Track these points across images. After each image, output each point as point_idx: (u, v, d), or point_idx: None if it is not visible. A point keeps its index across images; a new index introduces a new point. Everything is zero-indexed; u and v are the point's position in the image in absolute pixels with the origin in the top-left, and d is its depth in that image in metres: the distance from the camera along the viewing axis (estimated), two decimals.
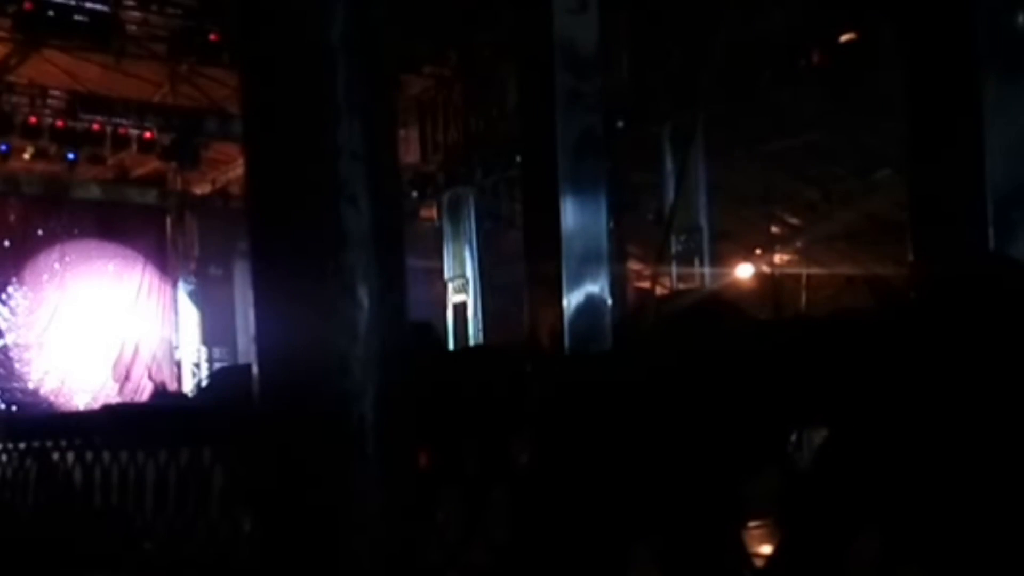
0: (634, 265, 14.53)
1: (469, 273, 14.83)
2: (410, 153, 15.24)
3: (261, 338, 1.59)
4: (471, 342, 14.22)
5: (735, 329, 3.24)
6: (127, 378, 15.93)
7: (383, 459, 1.52)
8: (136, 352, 16.82)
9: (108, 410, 7.59)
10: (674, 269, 12.30)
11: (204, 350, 17.84)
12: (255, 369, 1.62)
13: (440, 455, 3.07)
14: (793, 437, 2.70)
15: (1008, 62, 2.72)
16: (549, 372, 2.91)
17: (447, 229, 15.21)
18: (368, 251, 1.47)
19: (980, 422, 2.13)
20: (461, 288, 14.85)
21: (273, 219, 1.51)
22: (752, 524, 2.66)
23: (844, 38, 10.88)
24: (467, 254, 14.90)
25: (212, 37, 13.66)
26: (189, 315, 18.13)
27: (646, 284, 14.39)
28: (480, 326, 14.69)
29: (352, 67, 1.49)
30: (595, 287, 3.11)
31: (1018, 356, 2.02)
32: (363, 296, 1.46)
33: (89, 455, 5.54)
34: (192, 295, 18.17)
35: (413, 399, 1.67)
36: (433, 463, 3.07)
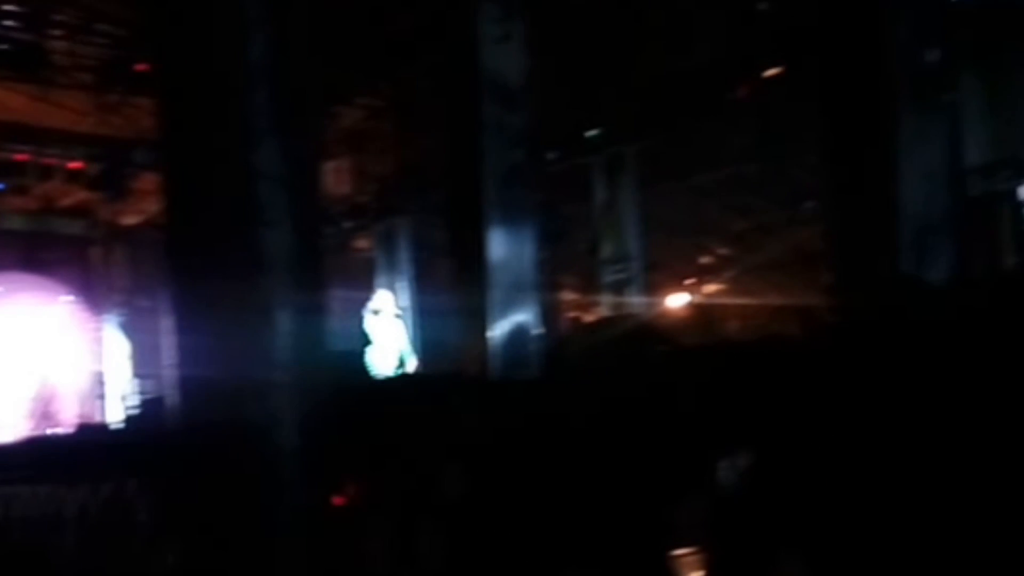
0: (568, 295, 14.60)
1: (403, 303, 14.77)
2: (343, 184, 15.17)
3: (181, 364, 1.58)
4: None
5: (660, 356, 3.27)
6: (46, 412, 15.49)
7: (303, 486, 1.51)
8: (58, 385, 16.39)
9: (29, 443, 7.38)
10: (606, 299, 12.42)
11: (132, 382, 17.46)
12: (176, 396, 1.60)
13: (368, 485, 3.04)
14: (721, 462, 2.73)
15: (920, 95, 2.81)
16: (474, 401, 2.92)
17: (381, 259, 15.15)
18: (287, 276, 1.46)
19: (898, 445, 2.17)
20: (396, 317, 14.79)
21: (191, 243, 1.49)
22: (684, 551, 2.67)
23: (770, 72, 11.12)
24: (401, 284, 14.85)
25: (140, 67, 13.48)
26: (116, 347, 17.75)
27: (579, 314, 14.47)
28: (417, 356, 14.62)
29: (273, 90, 1.48)
30: (523, 316, 3.13)
31: (929, 384, 2.07)
32: (282, 322, 1.46)
33: (6, 490, 5.38)
34: (120, 327, 17.80)
35: (336, 427, 1.66)
36: (361, 493, 3.04)
